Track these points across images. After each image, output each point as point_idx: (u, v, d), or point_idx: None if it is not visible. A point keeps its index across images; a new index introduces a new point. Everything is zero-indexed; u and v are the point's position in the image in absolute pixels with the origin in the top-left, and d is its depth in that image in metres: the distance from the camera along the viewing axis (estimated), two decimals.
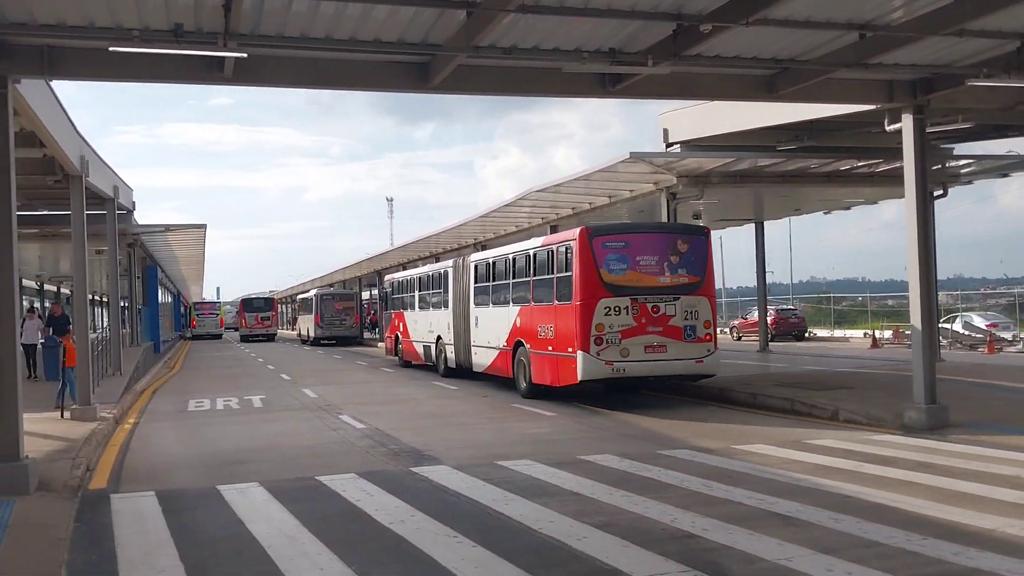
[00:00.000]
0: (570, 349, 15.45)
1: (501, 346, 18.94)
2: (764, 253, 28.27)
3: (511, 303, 18.61)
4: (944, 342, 26.01)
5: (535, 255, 17.59)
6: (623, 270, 15.36)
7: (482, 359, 20.33)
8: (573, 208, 23.02)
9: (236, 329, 65.73)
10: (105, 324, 43.81)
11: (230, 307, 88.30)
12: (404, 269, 33.87)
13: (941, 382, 12.69)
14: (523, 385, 17.71)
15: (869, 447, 10.65)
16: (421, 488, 9.06)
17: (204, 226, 28.94)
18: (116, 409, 15.62)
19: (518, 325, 18.01)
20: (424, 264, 31.04)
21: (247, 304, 61.09)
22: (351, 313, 48.31)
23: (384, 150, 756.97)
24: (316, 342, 47.61)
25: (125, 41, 9.00)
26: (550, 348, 16.43)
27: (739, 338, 38.65)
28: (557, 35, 9.94)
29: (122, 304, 29.55)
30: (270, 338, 58.04)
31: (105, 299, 53.77)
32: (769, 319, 31.69)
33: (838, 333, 39.77)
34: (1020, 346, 28.24)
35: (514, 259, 18.73)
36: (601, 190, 20.59)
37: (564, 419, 14.24)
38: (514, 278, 18.62)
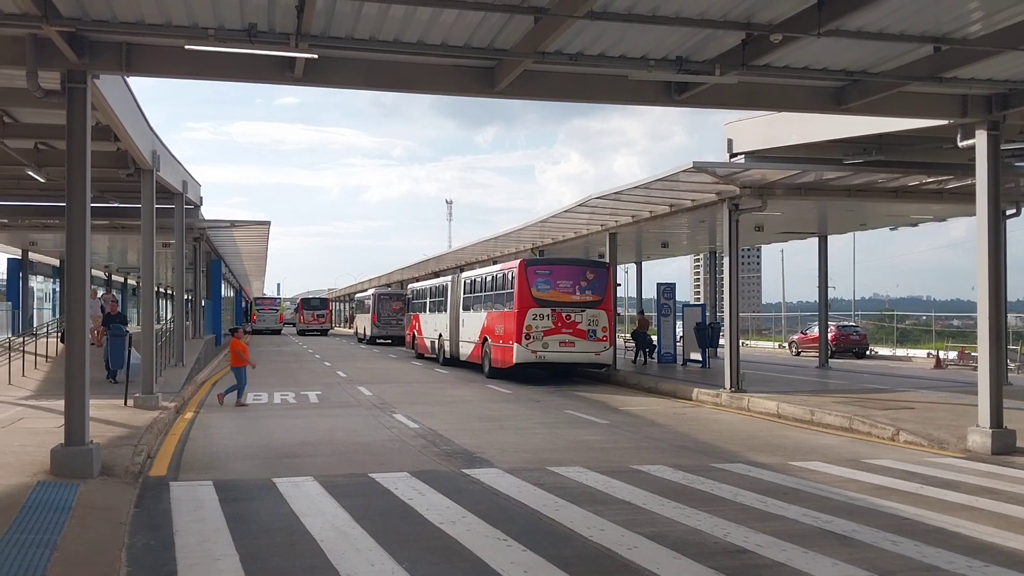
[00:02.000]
0: (511, 342, 22.16)
1: (476, 340, 25.33)
2: (827, 267, 27.75)
3: (482, 310, 25.16)
4: (1012, 365, 25.26)
5: (496, 276, 24.40)
6: (547, 289, 22.17)
7: (465, 350, 26.70)
8: (633, 216, 22.90)
9: (294, 325, 70.78)
10: (169, 316, 44.84)
11: (289, 304, 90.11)
12: (461, 271, 34.06)
13: (1008, 406, 12.32)
14: (487, 368, 24.15)
15: (930, 469, 10.39)
16: (472, 490, 9.10)
17: (268, 223, 29.42)
18: (177, 399, 16.00)
19: (485, 325, 24.62)
20: (481, 267, 31.31)
21: (306, 303, 70.28)
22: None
23: (445, 153, 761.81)
24: (372, 341, 48.08)
25: (200, 40, 9.23)
26: (500, 341, 23.08)
27: (798, 353, 38.01)
28: (624, 42, 9.91)
29: (186, 297, 30.22)
30: (324, 333, 66.22)
31: (169, 291, 55.10)
32: (830, 335, 31.10)
33: (900, 352, 38.85)
34: None
35: (485, 278, 25.51)
36: (662, 199, 20.45)
37: (618, 428, 14.17)
38: (485, 291, 25.33)
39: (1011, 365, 24.79)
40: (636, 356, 28.59)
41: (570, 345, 21.95)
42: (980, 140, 12.08)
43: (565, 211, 23.65)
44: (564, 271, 22.69)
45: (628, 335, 29.64)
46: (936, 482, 9.57)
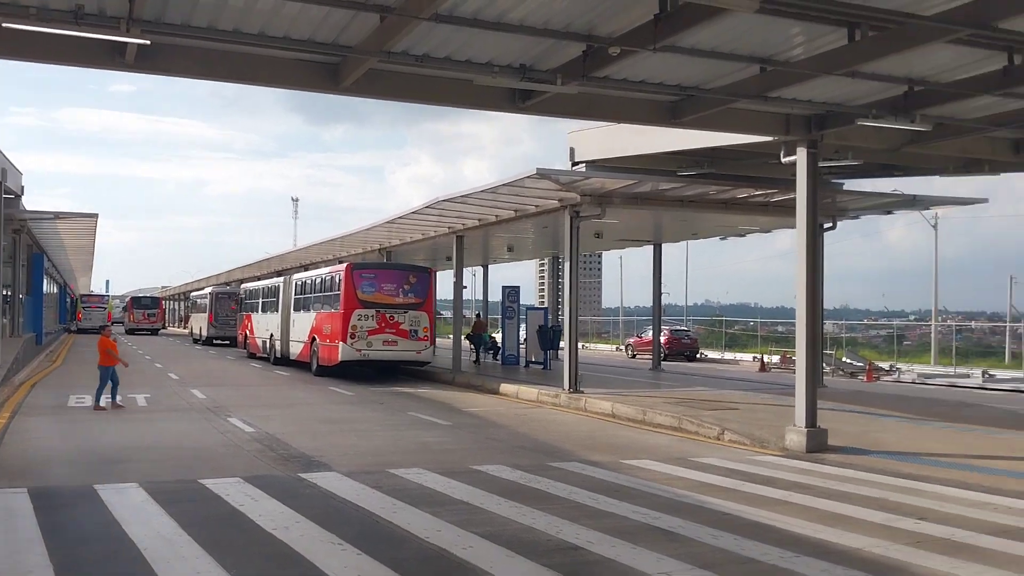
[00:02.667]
0: (337, 341, 23.37)
1: (305, 340, 26.39)
2: (661, 274, 28.92)
3: (312, 310, 26.32)
4: (827, 369, 27.09)
5: (324, 278, 25.77)
6: (372, 292, 23.54)
7: (295, 349, 27.68)
8: (479, 219, 23.10)
9: (123, 323, 67.13)
10: None
11: (119, 302, 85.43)
12: (306, 270, 33.40)
13: (822, 407, 13.21)
14: (315, 366, 25.14)
15: (751, 467, 11.00)
16: (308, 494, 8.92)
17: (95, 216, 27.91)
18: None
19: (314, 326, 25.81)
20: (327, 266, 30.85)
21: (136, 301, 67.15)
22: None
23: (292, 149, 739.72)
24: (209, 341, 46.36)
25: (21, 18, 8.62)
26: (328, 340, 24.31)
27: (633, 356, 39.38)
28: (470, 47, 10.01)
29: (4, 292, 28.16)
30: (154, 332, 63.92)
31: None
32: (663, 339, 32.46)
33: (728, 356, 40.96)
34: (896, 376, 29.70)
35: (315, 280, 26.87)
36: (508, 203, 20.73)
37: (460, 429, 14.25)
38: (314, 293, 26.59)
39: (827, 369, 26.58)
40: (476, 357, 29.08)
41: (393, 344, 23.53)
42: (801, 157, 12.91)
43: (413, 212, 23.58)
44: (388, 275, 24.38)
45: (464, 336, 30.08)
46: (755, 479, 10.15)
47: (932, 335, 39.28)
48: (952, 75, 10.97)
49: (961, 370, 31.69)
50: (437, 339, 36.92)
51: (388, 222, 26.04)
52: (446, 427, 14.49)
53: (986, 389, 26.06)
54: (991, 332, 43.92)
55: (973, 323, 49.01)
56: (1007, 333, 39.04)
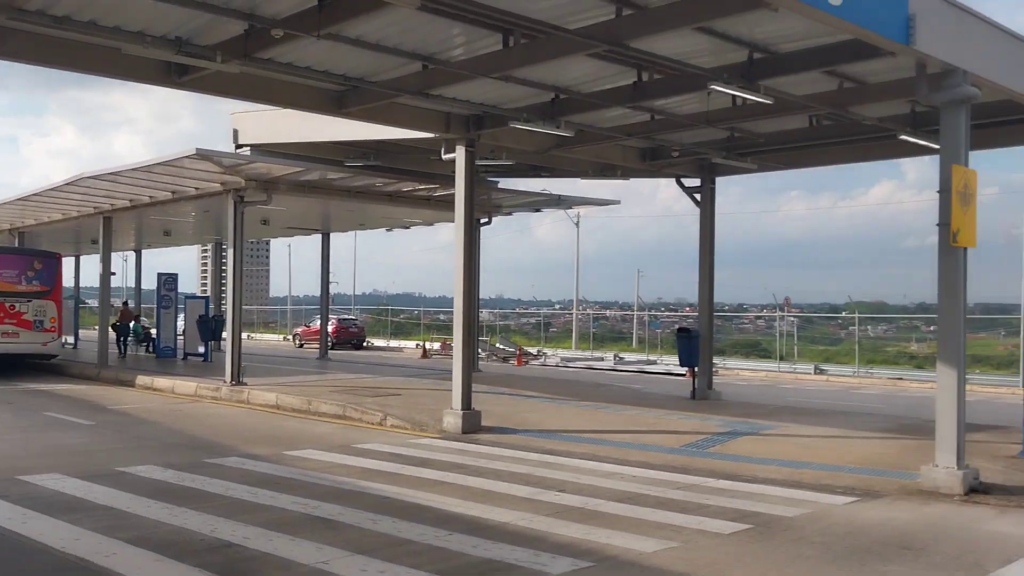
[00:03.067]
0: None
1: None
2: (329, 264, 28.84)
3: None
4: (482, 354, 28.64)
5: None
6: None
7: None
8: (131, 200, 21.43)
9: None
10: None
11: None
12: None
13: (477, 390, 13.96)
14: None
15: (411, 450, 11.37)
16: None
17: None
18: None
19: None
20: None
21: None
22: None
23: None
24: None
25: None
26: None
27: (301, 345, 38.88)
28: (120, 13, 9.29)
29: None
30: None
31: None
32: (331, 328, 32.43)
33: (394, 343, 41.82)
34: (543, 360, 32.25)
35: None
36: (164, 184, 19.44)
37: (105, 429, 13.19)
38: None
39: (482, 354, 28.09)
40: (122, 350, 27.07)
41: (14, 336, 21.98)
42: (459, 155, 13.50)
43: (53, 189, 21.28)
44: (8, 260, 22.77)
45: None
46: (414, 461, 10.50)
47: (574, 323, 43.15)
48: (592, 86, 12.08)
49: (597, 354, 35.22)
50: (82, 331, 34.00)
51: (21, 199, 23.27)
52: (88, 427, 13.34)
53: (617, 370, 29.18)
54: (622, 320, 49.09)
55: (608, 312, 54.47)
56: (634, 321, 43.88)
